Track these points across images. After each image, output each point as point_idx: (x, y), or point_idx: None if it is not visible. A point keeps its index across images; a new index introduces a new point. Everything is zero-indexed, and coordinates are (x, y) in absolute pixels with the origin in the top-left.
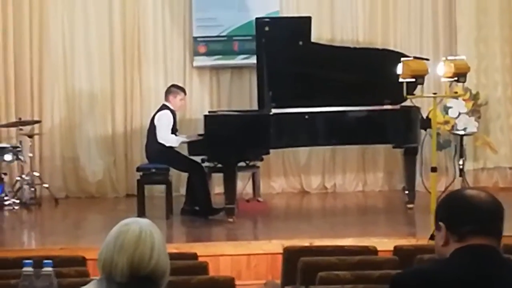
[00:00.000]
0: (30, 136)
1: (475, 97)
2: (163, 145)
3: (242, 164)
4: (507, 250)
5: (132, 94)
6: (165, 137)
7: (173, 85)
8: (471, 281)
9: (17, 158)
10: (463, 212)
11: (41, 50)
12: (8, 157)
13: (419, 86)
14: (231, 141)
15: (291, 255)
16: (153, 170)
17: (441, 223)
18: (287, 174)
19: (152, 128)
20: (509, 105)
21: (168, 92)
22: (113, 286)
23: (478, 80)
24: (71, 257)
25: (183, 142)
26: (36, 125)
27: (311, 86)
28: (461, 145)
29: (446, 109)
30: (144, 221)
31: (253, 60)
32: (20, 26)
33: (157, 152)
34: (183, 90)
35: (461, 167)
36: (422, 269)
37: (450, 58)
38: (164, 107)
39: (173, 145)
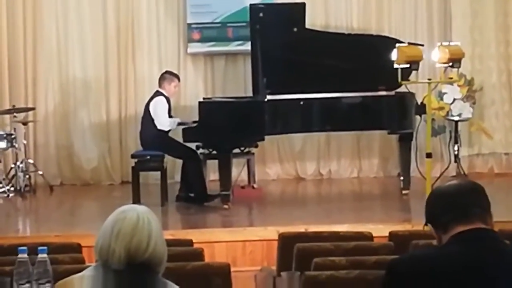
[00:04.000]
0: (25, 123)
1: (470, 83)
2: (158, 131)
3: (237, 150)
4: (503, 235)
5: (126, 81)
6: (164, 122)
7: (167, 72)
8: (466, 266)
9: (12, 146)
10: (439, 204)
11: (35, 38)
12: (2, 144)
13: (413, 72)
14: (225, 127)
15: (286, 241)
16: (148, 157)
17: (428, 224)
18: (282, 161)
19: (146, 115)
20: (504, 91)
21: (162, 78)
22: (110, 272)
23: (472, 66)
24: (66, 244)
25: (179, 124)
26: (31, 112)
27: (306, 72)
28: (456, 131)
29: (441, 95)
30: (141, 208)
31: (247, 46)
32: (13, 13)
33: (151, 139)
34: (177, 76)
35: (456, 153)
36: (418, 255)
37: (445, 44)
38: (158, 93)
39: (171, 127)
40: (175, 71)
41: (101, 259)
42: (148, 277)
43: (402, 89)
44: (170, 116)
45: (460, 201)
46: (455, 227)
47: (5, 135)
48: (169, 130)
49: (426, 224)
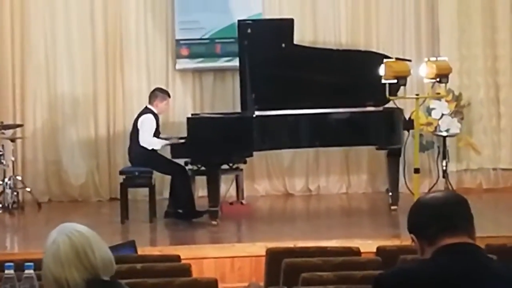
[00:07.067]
0: (13, 140)
1: (457, 98)
2: (146, 148)
3: (225, 166)
4: (491, 250)
5: (115, 97)
6: (148, 140)
7: (158, 89)
8: (451, 279)
9: (0, 162)
10: (425, 215)
11: (23, 54)
12: None
13: (401, 87)
14: (214, 143)
15: (274, 256)
16: (136, 174)
17: (411, 235)
18: (271, 177)
19: (135, 131)
20: (492, 106)
21: (154, 96)
22: None
23: (460, 81)
24: None
25: (165, 145)
26: (19, 129)
27: (294, 88)
28: (444, 146)
29: (429, 111)
30: (65, 227)
31: (235, 62)
32: (1, 29)
33: (140, 155)
34: (168, 94)
35: (444, 168)
36: (404, 269)
37: (432, 59)
38: (147, 110)
39: (155, 148)
40: (164, 88)
41: None
42: None
43: (390, 104)
44: (158, 133)
45: (446, 212)
46: (443, 238)
47: None
48: None
49: (411, 236)
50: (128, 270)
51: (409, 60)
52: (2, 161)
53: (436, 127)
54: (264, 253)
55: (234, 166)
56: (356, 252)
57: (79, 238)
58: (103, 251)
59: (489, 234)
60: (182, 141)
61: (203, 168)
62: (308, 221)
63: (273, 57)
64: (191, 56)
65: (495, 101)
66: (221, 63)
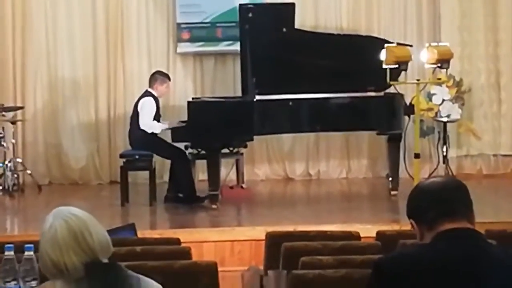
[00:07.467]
0: (13, 122)
1: (458, 84)
2: (146, 131)
3: (225, 151)
4: (491, 235)
5: (116, 80)
6: (147, 123)
7: (158, 72)
8: (450, 264)
9: (0, 145)
10: (425, 199)
11: (24, 36)
12: None
13: (402, 73)
14: (214, 127)
15: (274, 240)
16: (137, 157)
17: (411, 220)
18: (271, 161)
19: (135, 115)
20: (493, 92)
21: (154, 79)
22: (72, 283)
23: (461, 67)
24: None
25: (165, 129)
26: (19, 112)
27: (295, 73)
28: (445, 132)
29: (429, 96)
30: (61, 211)
31: (236, 46)
32: (2, 12)
33: (140, 138)
34: (168, 77)
35: (444, 154)
36: (403, 254)
37: (434, 45)
38: (147, 93)
39: (155, 131)
40: (165, 71)
41: (56, 275)
42: (121, 272)
43: (391, 89)
44: (158, 116)
45: (446, 197)
46: (442, 223)
47: None
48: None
49: (410, 221)
50: (127, 252)
51: (410, 45)
52: (3, 143)
53: (436, 113)
54: (264, 237)
55: (234, 150)
56: (356, 236)
57: (76, 221)
58: (100, 233)
59: (489, 220)
60: (184, 124)
61: (203, 152)
62: (308, 205)
63: (274, 42)
64: (192, 40)
65: (496, 87)
66: (222, 47)
